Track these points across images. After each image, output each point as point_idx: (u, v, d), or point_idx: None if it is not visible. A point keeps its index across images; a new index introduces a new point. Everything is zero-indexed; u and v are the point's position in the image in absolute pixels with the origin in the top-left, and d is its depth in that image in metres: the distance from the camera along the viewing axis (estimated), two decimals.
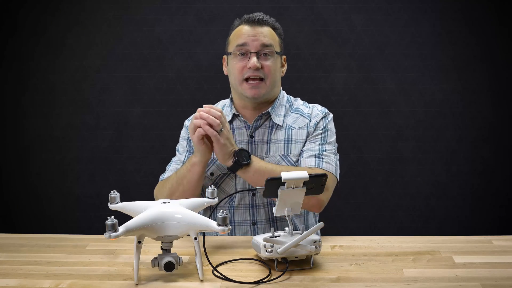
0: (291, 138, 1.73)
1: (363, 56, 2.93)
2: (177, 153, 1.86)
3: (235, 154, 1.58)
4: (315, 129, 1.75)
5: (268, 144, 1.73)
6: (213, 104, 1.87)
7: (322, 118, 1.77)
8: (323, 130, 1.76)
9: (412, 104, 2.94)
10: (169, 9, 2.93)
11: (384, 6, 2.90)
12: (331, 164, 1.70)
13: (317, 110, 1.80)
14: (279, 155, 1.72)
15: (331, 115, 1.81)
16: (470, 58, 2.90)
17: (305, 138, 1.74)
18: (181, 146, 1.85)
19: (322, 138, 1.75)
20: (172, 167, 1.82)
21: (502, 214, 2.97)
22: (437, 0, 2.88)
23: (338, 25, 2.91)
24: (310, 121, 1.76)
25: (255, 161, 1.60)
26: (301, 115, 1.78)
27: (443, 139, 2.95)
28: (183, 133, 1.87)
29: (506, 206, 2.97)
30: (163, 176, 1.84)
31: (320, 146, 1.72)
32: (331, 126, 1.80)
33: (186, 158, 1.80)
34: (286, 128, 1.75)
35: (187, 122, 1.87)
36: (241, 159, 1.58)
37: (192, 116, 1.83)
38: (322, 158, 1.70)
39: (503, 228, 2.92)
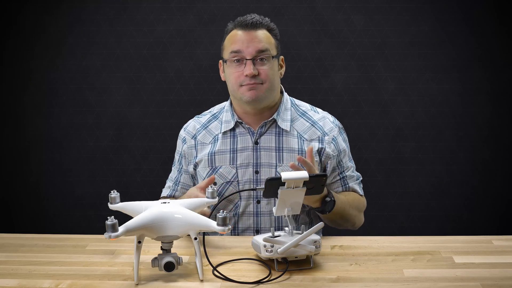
0: (304, 149, 1.69)
1: (363, 56, 2.93)
2: (173, 167, 1.86)
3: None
4: (340, 152, 1.73)
5: (280, 152, 1.70)
6: (209, 109, 1.85)
7: (340, 135, 1.75)
8: (346, 146, 1.77)
9: (412, 104, 2.94)
10: (169, 9, 2.93)
11: (384, 6, 2.90)
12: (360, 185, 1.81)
13: (329, 122, 1.76)
14: None
15: (343, 128, 1.80)
16: (470, 58, 2.90)
17: (317, 149, 1.70)
18: (176, 160, 1.84)
19: (349, 158, 1.78)
20: (167, 184, 1.85)
21: (502, 214, 2.97)
22: (437, 0, 2.88)
23: (338, 25, 2.91)
24: (323, 135, 1.72)
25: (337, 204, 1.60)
26: (312, 125, 1.74)
27: (443, 139, 2.95)
28: (178, 146, 1.83)
29: (506, 206, 2.97)
30: (163, 193, 1.86)
31: (354, 172, 1.79)
32: (346, 137, 1.81)
33: (180, 178, 1.81)
34: (298, 137, 1.71)
35: (182, 132, 1.82)
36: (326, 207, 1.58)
37: (187, 125, 1.83)
38: (360, 184, 1.80)
39: (503, 228, 2.92)
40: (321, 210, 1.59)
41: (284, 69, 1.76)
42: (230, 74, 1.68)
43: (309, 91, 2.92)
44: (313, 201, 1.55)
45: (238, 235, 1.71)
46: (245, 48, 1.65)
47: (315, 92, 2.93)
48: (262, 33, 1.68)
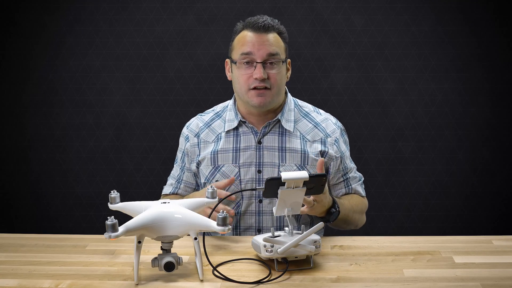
0: (307, 150, 1.70)
1: (363, 56, 2.93)
2: (175, 165, 1.86)
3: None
4: (342, 153, 1.75)
5: (283, 152, 1.70)
6: (211, 107, 1.86)
7: (341, 137, 1.77)
8: (347, 148, 1.79)
9: (412, 104, 2.94)
10: (169, 9, 2.93)
11: (384, 6, 2.90)
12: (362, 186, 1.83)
13: (332, 123, 1.77)
14: (295, 165, 1.69)
15: (344, 130, 1.81)
16: (470, 58, 2.90)
17: (319, 151, 1.71)
18: (178, 157, 1.84)
19: (350, 160, 1.80)
20: (169, 182, 1.85)
21: (502, 214, 2.97)
22: (437, 0, 2.88)
23: (338, 25, 2.91)
24: (326, 136, 1.73)
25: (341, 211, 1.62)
26: (315, 126, 1.75)
27: (443, 139, 2.95)
28: (181, 143, 1.83)
29: (506, 206, 2.97)
30: (164, 190, 1.85)
31: (356, 173, 1.81)
32: (347, 139, 1.82)
33: (182, 176, 1.81)
34: (300, 137, 1.72)
35: (185, 130, 1.82)
36: (330, 217, 1.60)
37: (189, 123, 1.83)
38: (362, 185, 1.82)
39: (503, 228, 2.92)
40: (325, 220, 1.61)
41: (290, 72, 1.76)
42: (239, 75, 1.67)
43: (309, 91, 2.92)
44: (319, 212, 1.56)
45: (240, 234, 1.72)
46: (256, 51, 1.64)
47: (315, 92, 2.93)
48: (273, 37, 1.67)
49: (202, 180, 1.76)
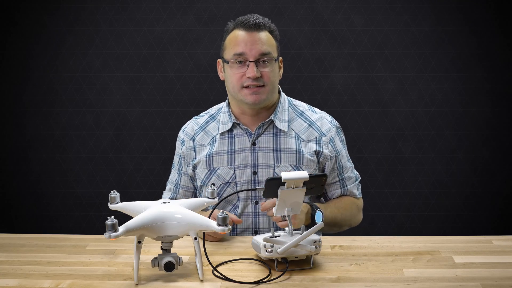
0: (302, 150, 1.70)
1: (363, 56, 2.93)
2: (172, 169, 1.85)
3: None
4: (338, 152, 1.74)
5: (278, 153, 1.70)
6: (207, 109, 1.85)
7: (337, 136, 1.76)
8: (343, 147, 1.78)
9: (412, 104, 2.94)
10: (169, 9, 2.93)
11: (384, 6, 2.90)
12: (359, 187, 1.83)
13: (327, 122, 1.76)
14: (290, 165, 1.69)
15: (340, 128, 1.80)
16: (470, 58, 2.90)
17: (314, 151, 1.70)
18: (175, 161, 1.84)
19: (347, 158, 1.79)
20: (168, 187, 1.85)
21: (502, 214, 2.97)
22: (437, 0, 2.88)
23: (338, 25, 2.91)
24: (321, 136, 1.73)
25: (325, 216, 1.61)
26: (310, 125, 1.74)
27: (443, 139, 2.95)
28: (177, 147, 1.82)
29: (506, 206, 2.97)
30: (164, 195, 1.85)
31: (353, 172, 1.80)
32: (344, 137, 1.81)
33: (180, 181, 1.80)
34: (295, 137, 1.71)
35: (181, 134, 1.81)
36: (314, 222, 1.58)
37: (185, 126, 1.82)
38: (359, 185, 1.81)
39: (503, 228, 2.92)
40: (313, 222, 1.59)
41: (282, 70, 1.76)
42: (232, 75, 1.67)
43: (309, 91, 2.92)
44: (303, 221, 1.54)
45: (236, 235, 1.71)
46: (249, 50, 1.64)
47: (315, 92, 2.93)
48: (265, 35, 1.67)
49: (199, 183, 1.76)
